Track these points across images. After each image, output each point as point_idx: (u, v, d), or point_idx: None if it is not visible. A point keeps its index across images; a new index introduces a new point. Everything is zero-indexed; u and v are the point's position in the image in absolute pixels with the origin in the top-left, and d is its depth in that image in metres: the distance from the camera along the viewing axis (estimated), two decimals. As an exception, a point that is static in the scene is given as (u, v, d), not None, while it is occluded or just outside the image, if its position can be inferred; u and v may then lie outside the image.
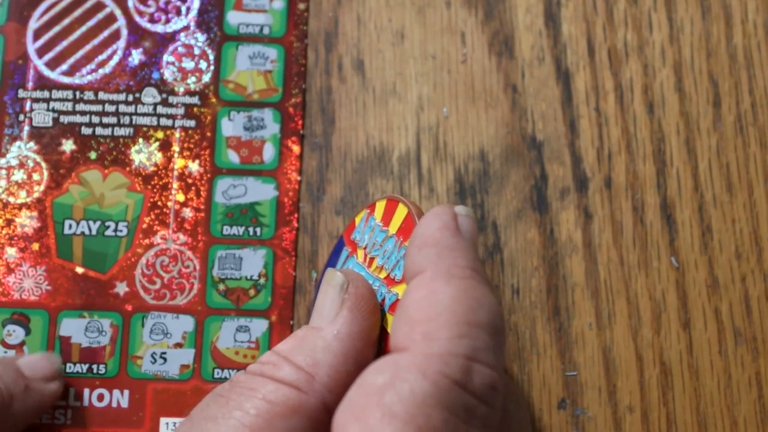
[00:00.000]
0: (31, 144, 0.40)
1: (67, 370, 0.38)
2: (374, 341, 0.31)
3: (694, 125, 0.41)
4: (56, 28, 0.41)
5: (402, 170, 0.41)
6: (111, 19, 0.42)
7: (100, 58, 0.41)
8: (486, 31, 0.42)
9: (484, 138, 0.41)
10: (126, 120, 0.40)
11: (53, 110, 0.41)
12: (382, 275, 0.32)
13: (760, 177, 0.40)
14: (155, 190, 0.40)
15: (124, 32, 0.42)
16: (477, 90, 0.41)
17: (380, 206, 0.34)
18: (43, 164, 0.40)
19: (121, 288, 0.39)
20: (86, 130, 0.40)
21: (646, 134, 0.41)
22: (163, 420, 0.38)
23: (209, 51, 0.41)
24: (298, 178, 0.40)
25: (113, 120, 0.40)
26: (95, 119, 0.40)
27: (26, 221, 0.39)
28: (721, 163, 0.41)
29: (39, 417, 0.37)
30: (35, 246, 0.39)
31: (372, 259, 0.33)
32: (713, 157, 0.41)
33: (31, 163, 0.40)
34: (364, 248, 0.33)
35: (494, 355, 0.27)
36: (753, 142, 0.41)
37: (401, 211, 0.32)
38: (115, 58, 0.41)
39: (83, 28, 0.42)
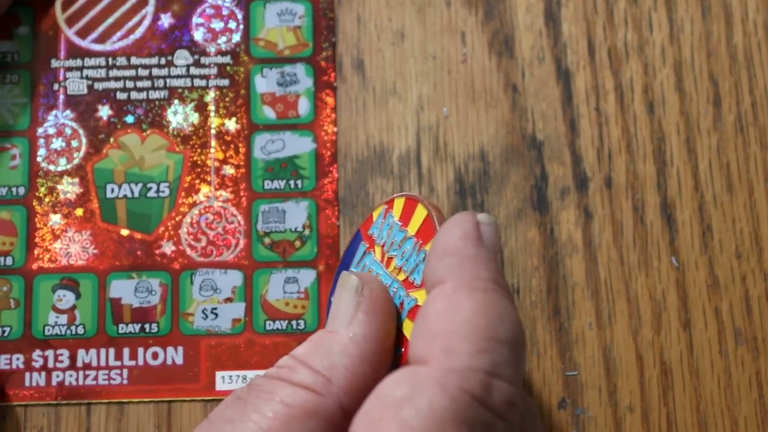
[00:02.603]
0: (68, 112, 0.41)
1: (120, 331, 0.39)
2: (391, 344, 0.30)
3: (695, 125, 0.41)
4: None
5: (402, 170, 0.41)
6: None
7: (130, 24, 0.42)
8: (486, 30, 0.42)
9: (484, 138, 0.41)
10: (160, 83, 0.41)
11: (87, 78, 0.41)
12: (401, 277, 0.32)
13: (760, 176, 0.40)
14: (194, 149, 0.40)
15: None
16: (477, 90, 0.41)
17: (399, 204, 0.33)
18: (81, 131, 0.41)
19: (168, 247, 0.39)
20: (121, 95, 0.41)
21: (646, 134, 0.41)
22: (218, 374, 0.38)
23: (237, 11, 0.42)
24: (335, 129, 0.40)
25: (147, 84, 0.41)
26: (129, 84, 0.41)
27: (68, 188, 0.40)
28: (722, 163, 0.41)
29: None
30: (79, 211, 0.40)
31: (390, 258, 0.32)
32: (713, 157, 0.41)
33: (68, 131, 0.41)
34: (382, 246, 0.33)
35: (514, 370, 0.27)
36: (753, 141, 0.41)
37: (420, 213, 0.32)
38: (145, 23, 0.42)
39: None
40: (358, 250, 0.35)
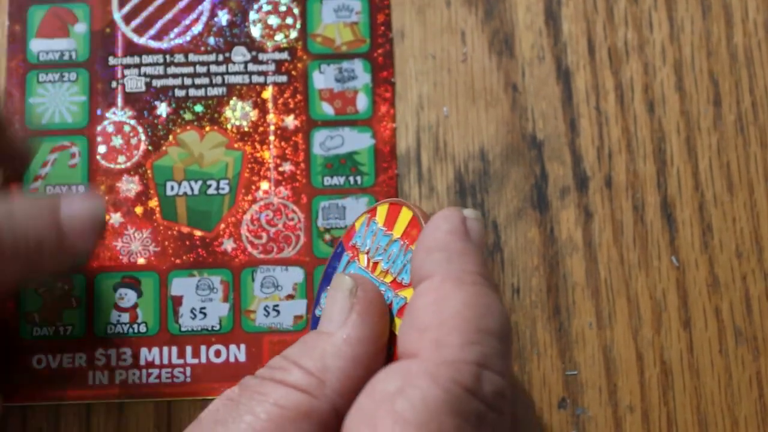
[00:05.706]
0: (126, 110, 0.41)
1: (182, 329, 0.39)
2: (384, 345, 0.30)
3: (695, 124, 0.41)
4: None
5: (402, 169, 0.41)
6: None
7: (187, 21, 0.42)
8: (486, 30, 0.42)
9: (485, 137, 0.41)
10: (218, 80, 0.41)
11: (145, 75, 0.41)
12: (388, 279, 0.32)
13: (760, 176, 0.40)
14: (253, 146, 0.40)
15: None
16: (477, 89, 0.41)
17: (382, 210, 0.33)
18: (140, 128, 0.41)
19: (228, 244, 0.40)
20: (179, 92, 0.41)
21: (646, 133, 0.41)
22: None
23: (294, 7, 0.42)
24: (393, 125, 0.41)
25: (205, 81, 0.41)
26: (187, 81, 0.41)
27: (128, 186, 0.40)
28: (722, 162, 0.41)
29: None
30: (139, 209, 0.40)
31: (376, 263, 0.32)
32: (714, 156, 0.41)
33: (127, 128, 0.41)
34: (367, 252, 0.33)
35: (503, 362, 0.27)
36: (753, 141, 0.41)
37: (405, 215, 0.32)
38: (202, 20, 0.42)
39: None
40: (342, 261, 0.34)
